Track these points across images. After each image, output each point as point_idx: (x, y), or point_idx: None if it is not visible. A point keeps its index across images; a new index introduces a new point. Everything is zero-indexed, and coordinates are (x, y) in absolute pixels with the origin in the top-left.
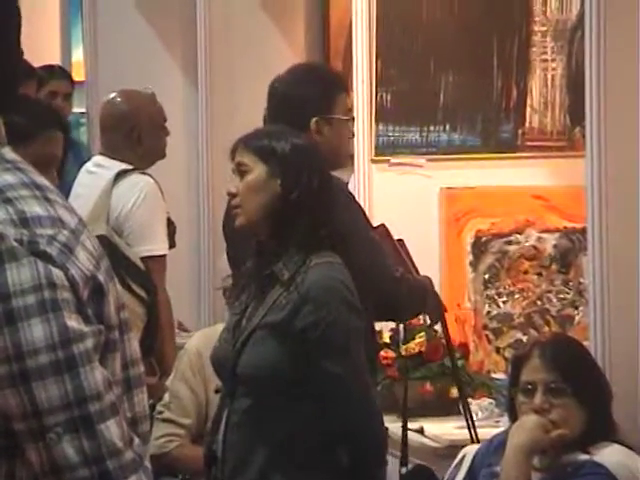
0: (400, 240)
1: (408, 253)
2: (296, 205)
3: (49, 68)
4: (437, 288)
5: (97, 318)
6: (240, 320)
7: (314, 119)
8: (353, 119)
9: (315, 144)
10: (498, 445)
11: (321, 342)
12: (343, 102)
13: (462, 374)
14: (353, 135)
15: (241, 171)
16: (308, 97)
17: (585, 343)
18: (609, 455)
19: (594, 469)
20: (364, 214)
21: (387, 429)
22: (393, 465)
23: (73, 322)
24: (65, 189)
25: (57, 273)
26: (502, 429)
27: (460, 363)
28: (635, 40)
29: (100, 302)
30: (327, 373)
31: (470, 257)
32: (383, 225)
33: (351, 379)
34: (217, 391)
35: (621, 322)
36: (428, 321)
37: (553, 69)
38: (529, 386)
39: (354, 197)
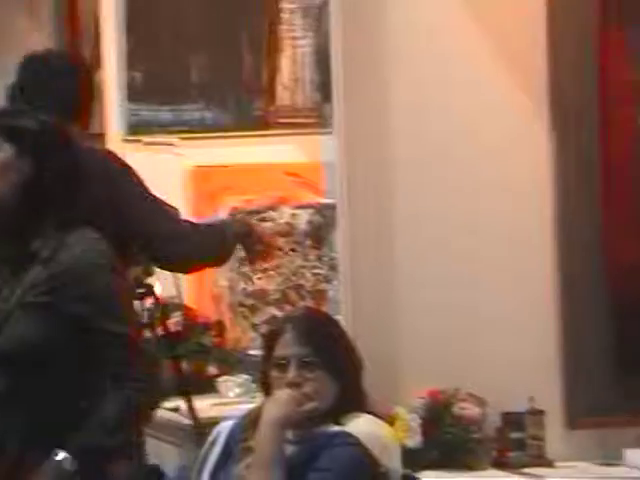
0: None
1: None
2: (48, 184)
3: None
4: None
5: None
6: None
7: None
8: None
9: (62, 123)
10: (252, 420)
11: (94, 311)
12: None
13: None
14: None
15: None
16: (76, 85)
17: (338, 317)
18: (360, 425)
19: (345, 439)
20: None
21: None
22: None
23: None
24: None
25: None
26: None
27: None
28: (379, 18)
29: None
30: (112, 335)
31: None
32: None
33: (133, 336)
34: None
35: (370, 295)
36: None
37: (302, 47)
38: (282, 361)
39: (128, 165)
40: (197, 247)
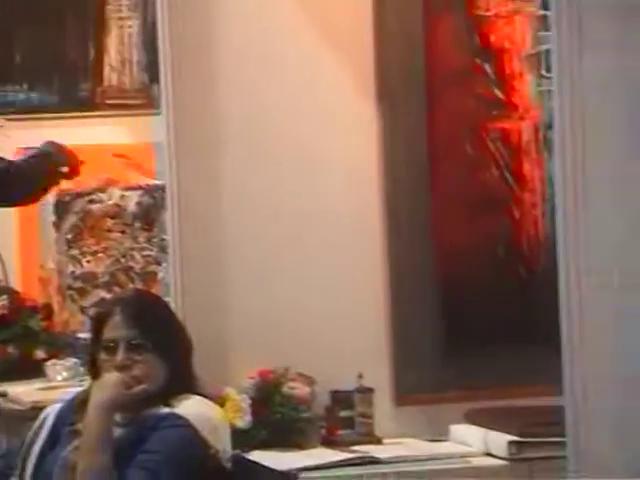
0: None
1: None
2: None
3: None
4: (17, 249)
5: None
6: None
7: None
8: None
9: None
10: (80, 403)
11: None
12: None
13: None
14: None
15: None
16: None
17: (168, 299)
18: (190, 407)
19: (175, 421)
20: None
21: None
22: None
23: None
24: None
25: None
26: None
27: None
28: None
29: None
30: None
31: (53, 217)
32: None
33: None
34: None
35: (200, 277)
36: None
37: (129, 27)
38: (111, 343)
39: None
40: (30, 183)
